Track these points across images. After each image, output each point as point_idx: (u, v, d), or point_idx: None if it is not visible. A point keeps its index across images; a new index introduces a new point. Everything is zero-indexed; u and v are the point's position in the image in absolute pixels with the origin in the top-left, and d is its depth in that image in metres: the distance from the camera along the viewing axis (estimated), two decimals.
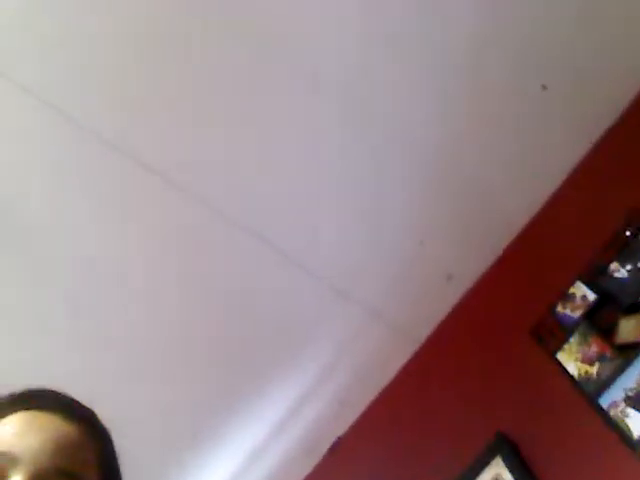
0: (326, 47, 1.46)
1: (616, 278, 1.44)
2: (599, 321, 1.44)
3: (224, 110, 1.49)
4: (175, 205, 1.59)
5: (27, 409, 0.61)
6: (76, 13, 1.31)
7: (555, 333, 1.53)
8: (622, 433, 1.27)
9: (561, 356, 1.47)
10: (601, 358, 1.38)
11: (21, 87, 1.36)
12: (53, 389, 0.66)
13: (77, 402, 0.66)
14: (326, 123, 1.59)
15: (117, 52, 1.37)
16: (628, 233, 1.46)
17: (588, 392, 1.37)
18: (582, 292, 1.51)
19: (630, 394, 1.29)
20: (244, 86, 1.46)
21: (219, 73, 1.44)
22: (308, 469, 2.22)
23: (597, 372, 1.38)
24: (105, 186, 1.54)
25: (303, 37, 1.43)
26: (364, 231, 1.79)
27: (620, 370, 1.32)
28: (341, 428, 2.16)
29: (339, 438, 2.17)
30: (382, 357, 1.99)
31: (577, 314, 1.49)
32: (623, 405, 1.29)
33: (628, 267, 1.42)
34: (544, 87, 1.59)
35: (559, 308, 1.55)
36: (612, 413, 1.30)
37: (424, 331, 1.96)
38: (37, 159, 1.47)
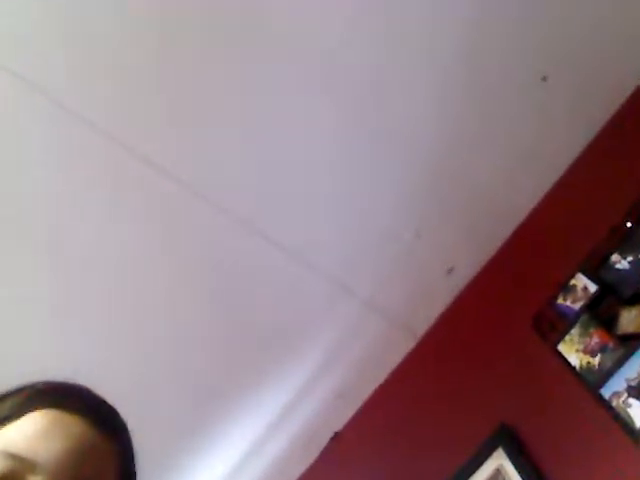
0: (327, 39, 1.46)
1: (617, 269, 1.44)
2: (600, 312, 1.44)
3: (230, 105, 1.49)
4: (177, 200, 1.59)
5: (53, 407, 0.58)
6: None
7: (556, 325, 1.53)
8: (624, 423, 1.27)
9: (562, 347, 1.47)
10: (603, 349, 1.38)
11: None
12: (81, 385, 0.63)
13: (104, 403, 0.64)
14: (323, 115, 1.58)
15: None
16: (629, 224, 1.47)
17: (590, 383, 1.37)
18: (583, 284, 1.51)
19: (632, 384, 1.29)
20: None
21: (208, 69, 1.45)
22: (307, 464, 2.22)
23: (599, 363, 1.37)
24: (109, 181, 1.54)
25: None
26: (363, 225, 1.78)
27: (622, 361, 1.32)
28: (340, 422, 2.15)
29: (337, 433, 2.17)
30: (382, 350, 1.99)
31: (578, 305, 1.49)
32: (625, 395, 1.29)
33: (629, 258, 1.42)
34: (544, 78, 1.59)
35: (560, 300, 1.55)
36: (614, 403, 1.30)
37: (424, 325, 1.96)
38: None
